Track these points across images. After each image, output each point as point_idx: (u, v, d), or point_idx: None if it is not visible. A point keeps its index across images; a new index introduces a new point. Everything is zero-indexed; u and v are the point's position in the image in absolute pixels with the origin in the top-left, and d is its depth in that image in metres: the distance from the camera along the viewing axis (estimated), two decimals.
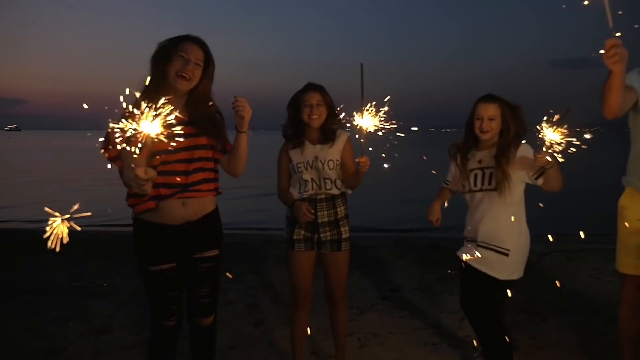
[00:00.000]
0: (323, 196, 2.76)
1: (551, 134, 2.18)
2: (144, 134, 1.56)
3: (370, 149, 2.38)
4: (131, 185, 1.74)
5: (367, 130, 2.35)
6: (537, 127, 2.25)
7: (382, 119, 2.32)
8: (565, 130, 2.17)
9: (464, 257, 2.72)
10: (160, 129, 1.58)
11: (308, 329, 3.01)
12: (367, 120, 2.31)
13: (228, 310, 4.16)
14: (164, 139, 1.61)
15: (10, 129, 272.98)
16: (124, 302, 4.39)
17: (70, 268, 5.63)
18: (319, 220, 2.74)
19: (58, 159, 34.85)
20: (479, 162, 2.72)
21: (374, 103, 2.31)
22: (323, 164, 2.71)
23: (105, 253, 6.36)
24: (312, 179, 2.74)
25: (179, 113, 2.08)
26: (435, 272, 5.30)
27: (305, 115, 2.70)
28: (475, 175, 2.71)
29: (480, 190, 2.69)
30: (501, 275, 2.63)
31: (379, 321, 3.95)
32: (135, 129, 1.55)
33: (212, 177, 2.32)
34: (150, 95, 1.92)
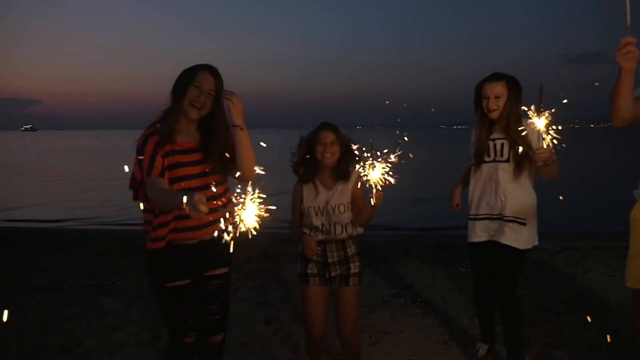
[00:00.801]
0: (333, 239, 2.74)
1: (538, 122, 2.25)
2: (245, 223, 1.75)
3: (380, 187, 2.41)
4: (189, 214, 1.79)
5: (378, 182, 2.37)
6: (527, 113, 2.32)
7: (388, 168, 2.36)
8: (550, 117, 2.24)
9: (503, 240, 2.79)
10: (255, 221, 1.77)
11: None
12: (377, 172, 2.34)
13: (239, 308, 4.18)
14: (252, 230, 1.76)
15: (26, 129, 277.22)
16: (136, 300, 4.44)
17: (84, 266, 5.71)
18: (329, 260, 2.73)
19: (71, 159, 35.27)
20: (494, 134, 2.83)
21: (379, 160, 2.35)
22: (334, 209, 2.69)
23: (118, 251, 6.43)
24: (322, 225, 2.72)
25: (190, 137, 2.22)
26: (446, 269, 5.28)
27: (319, 154, 2.66)
28: (488, 147, 2.85)
29: (494, 161, 2.81)
30: (522, 245, 2.78)
31: (390, 319, 3.95)
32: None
33: (224, 203, 2.31)
34: (163, 123, 2.12)
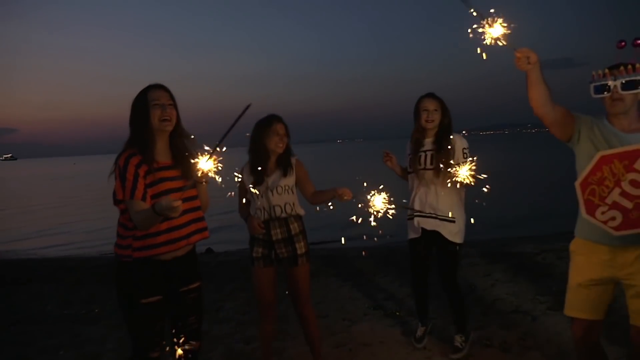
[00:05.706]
0: (275, 218, 2.97)
1: (462, 171, 3.02)
2: (202, 169, 2.03)
3: None
4: (166, 215, 2.02)
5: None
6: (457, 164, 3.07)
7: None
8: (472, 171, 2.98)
9: (444, 233, 3.28)
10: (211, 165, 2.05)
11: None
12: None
13: (221, 328, 4.16)
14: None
15: (6, 159, 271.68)
16: (115, 327, 4.36)
17: (62, 295, 5.61)
18: (273, 238, 2.98)
19: (46, 188, 34.71)
20: (425, 147, 3.34)
21: None
22: (272, 191, 2.95)
23: (96, 278, 6.33)
24: (263, 208, 2.97)
25: (163, 156, 2.29)
26: None
27: (273, 143, 2.97)
28: (420, 157, 3.33)
29: (424, 169, 3.29)
30: (454, 238, 3.27)
31: (370, 331, 3.96)
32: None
33: (201, 216, 2.42)
34: (141, 145, 2.21)
